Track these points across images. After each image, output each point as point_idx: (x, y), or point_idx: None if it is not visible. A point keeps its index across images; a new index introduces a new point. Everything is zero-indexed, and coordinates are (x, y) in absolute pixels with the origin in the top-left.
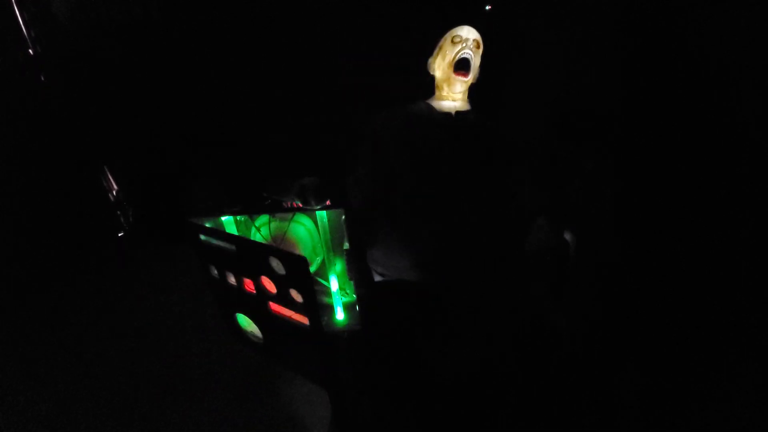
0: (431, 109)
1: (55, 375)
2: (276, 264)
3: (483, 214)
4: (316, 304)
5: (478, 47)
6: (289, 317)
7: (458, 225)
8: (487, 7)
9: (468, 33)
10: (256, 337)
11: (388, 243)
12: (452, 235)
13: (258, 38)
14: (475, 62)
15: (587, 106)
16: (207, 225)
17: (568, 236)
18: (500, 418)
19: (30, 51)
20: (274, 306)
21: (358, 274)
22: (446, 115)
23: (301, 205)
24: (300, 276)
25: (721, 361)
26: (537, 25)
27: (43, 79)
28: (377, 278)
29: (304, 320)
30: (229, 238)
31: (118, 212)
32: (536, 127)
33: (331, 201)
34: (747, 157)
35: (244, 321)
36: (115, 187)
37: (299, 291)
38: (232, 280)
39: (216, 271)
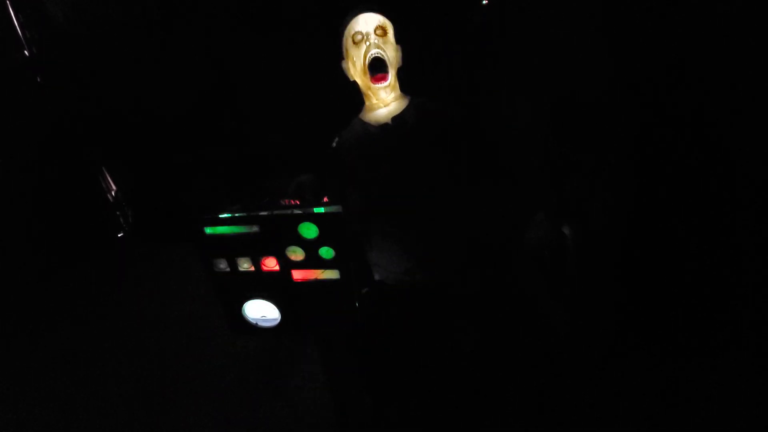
0: (365, 126)
1: (54, 374)
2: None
3: (459, 204)
4: (348, 253)
5: (385, 33)
6: (315, 278)
7: (440, 224)
8: (484, 1)
9: (366, 24)
10: (269, 321)
11: (381, 247)
12: (438, 237)
13: (256, 36)
14: (390, 53)
15: (586, 101)
16: (223, 216)
17: (566, 231)
18: (500, 416)
19: (26, 52)
20: (297, 274)
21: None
22: (382, 128)
23: (297, 203)
24: (334, 233)
25: (722, 360)
26: (535, 19)
27: (39, 80)
28: (377, 277)
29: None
30: (252, 219)
31: (118, 212)
32: (535, 123)
33: (328, 198)
34: (747, 152)
35: (253, 310)
36: (113, 187)
37: (333, 247)
38: (245, 266)
39: (224, 264)
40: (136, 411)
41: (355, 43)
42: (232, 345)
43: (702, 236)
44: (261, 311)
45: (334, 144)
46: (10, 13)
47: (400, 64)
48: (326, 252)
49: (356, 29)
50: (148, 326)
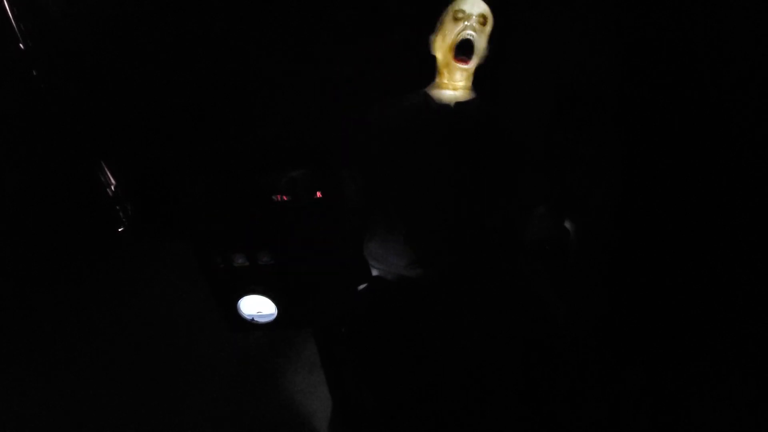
0: (428, 99)
1: (53, 373)
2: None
3: (482, 211)
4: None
5: (484, 23)
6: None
7: (457, 222)
8: None
9: (472, 7)
10: (265, 316)
11: (385, 239)
12: (451, 233)
13: (251, 30)
14: (480, 43)
15: (589, 94)
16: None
17: (568, 225)
18: (500, 411)
19: (21, 46)
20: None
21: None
22: (444, 107)
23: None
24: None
25: (723, 358)
26: (538, 10)
27: (35, 74)
28: (375, 272)
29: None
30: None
31: (117, 207)
32: (537, 115)
33: (321, 194)
34: (749, 145)
35: (248, 306)
36: (112, 182)
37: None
38: (241, 260)
39: (220, 258)
40: (136, 407)
41: (455, 19)
42: (232, 341)
43: (706, 230)
44: (257, 307)
45: (376, 108)
46: (5, 6)
47: (483, 61)
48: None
49: (461, 6)
50: (147, 323)
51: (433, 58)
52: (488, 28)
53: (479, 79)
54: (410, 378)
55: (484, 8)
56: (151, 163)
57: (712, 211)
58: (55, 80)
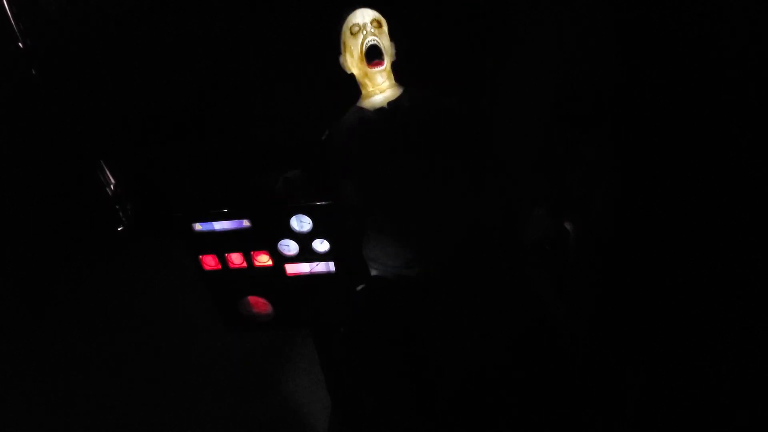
0: (363, 111)
1: (53, 372)
2: (296, 223)
3: (456, 193)
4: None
5: (380, 26)
6: (309, 273)
7: (437, 213)
8: None
9: (363, 17)
10: (263, 317)
11: (380, 241)
12: (438, 227)
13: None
14: (384, 43)
15: (589, 94)
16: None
17: (568, 226)
18: (500, 411)
19: (20, 44)
20: (290, 268)
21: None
22: (379, 111)
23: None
24: (329, 225)
25: (723, 358)
26: (537, 9)
27: (34, 72)
28: (374, 272)
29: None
30: (240, 214)
31: (117, 207)
32: (537, 114)
33: (318, 193)
34: (750, 144)
35: (246, 306)
36: (112, 182)
37: (327, 239)
38: (236, 262)
39: (215, 261)
40: (136, 406)
41: (353, 34)
42: (230, 340)
43: (707, 230)
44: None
45: (327, 133)
46: (4, 5)
47: (394, 58)
48: (320, 244)
49: (354, 21)
50: (147, 322)
51: (352, 76)
52: (385, 28)
53: (407, 74)
54: (410, 378)
55: (373, 14)
56: (151, 163)
57: (712, 211)
58: (55, 80)
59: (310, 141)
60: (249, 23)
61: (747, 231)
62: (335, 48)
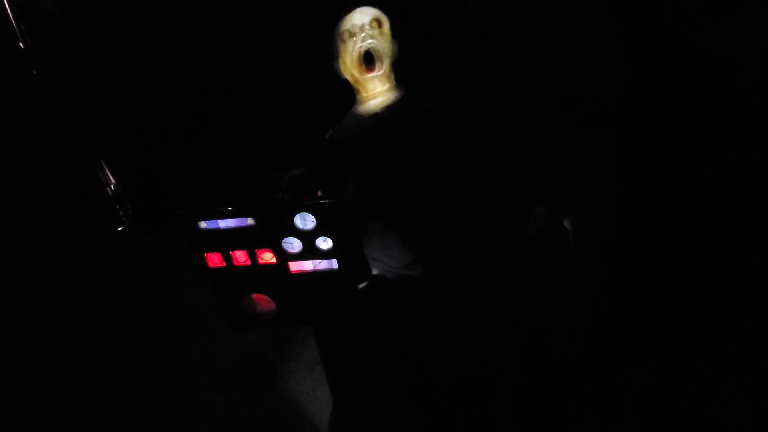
0: (358, 117)
1: (54, 371)
2: (300, 221)
3: (456, 194)
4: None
5: (380, 26)
6: (312, 270)
7: (440, 214)
8: None
9: (361, 18)
10: (266, 314)
11: (382, 242)
12: (438, 230)
13: (253, 31)
14: (382, 45)
15: (589, 93)
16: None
17: (568, 225)
18: (500, 411)
19: (21, 44)
20: (294, 266)
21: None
22: (374, 117)
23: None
24: (332, 223)
25: (723, 358)
26: (537, 8)
27: (34, 72)
28: (375, 271)
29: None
30: (245, 212)
31: (117, 207)
32: (536, 114)
33: (322, 192)
34: (750, 144)
35: (249, 304)
36: (112, 182)
37: (331, 237)
38: (240, 260)
39: (220, 258)
40: (136, 405)
41: (344, 40)
42: (232, 338)
43: (706, 229)
44: (258, 305)
45: (327, 137)
46: (4, 5)
47: (395, 57)
48: (324, 242)
49: (353, 22)
50: (147, 320)
51: (347, 81)
52: (385, 28)
53: (410, 75)
54: (410, 377)
55: (372, 13)
56: (151, 163)
57: (712, 211)
58: (55, 80)
59: (315, 139)
60: (251, 22)
61: (747, 231)
62: (333, 52)
